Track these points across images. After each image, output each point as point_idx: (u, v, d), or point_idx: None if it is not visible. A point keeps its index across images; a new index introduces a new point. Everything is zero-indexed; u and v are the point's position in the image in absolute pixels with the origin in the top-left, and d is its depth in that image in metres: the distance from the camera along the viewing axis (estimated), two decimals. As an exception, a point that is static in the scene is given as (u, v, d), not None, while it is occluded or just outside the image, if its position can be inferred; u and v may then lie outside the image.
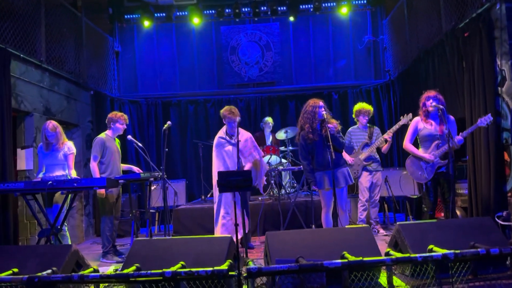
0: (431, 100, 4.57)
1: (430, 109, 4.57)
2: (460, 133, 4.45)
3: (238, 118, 4.98)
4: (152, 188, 6.73)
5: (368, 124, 5.95)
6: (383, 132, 6.00)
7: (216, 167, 5.18)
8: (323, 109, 4.48)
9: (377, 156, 5.85)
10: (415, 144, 4.78)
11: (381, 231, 5.75)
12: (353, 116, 6.05)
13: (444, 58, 5.73)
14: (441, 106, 4.45)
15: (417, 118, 4.76)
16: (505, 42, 4.47)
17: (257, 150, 5.26)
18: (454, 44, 5.36)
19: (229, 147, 5.16)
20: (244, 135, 5.22)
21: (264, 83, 9.16)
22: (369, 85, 8.71)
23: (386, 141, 5.65)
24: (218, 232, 5.03)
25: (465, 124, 4.94)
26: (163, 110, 8.84)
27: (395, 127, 5.63)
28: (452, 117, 4.61)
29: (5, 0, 5.19)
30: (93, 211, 7.28)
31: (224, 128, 5.31)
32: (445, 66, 5.71)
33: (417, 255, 2.96)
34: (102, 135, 5.25)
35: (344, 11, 8.73)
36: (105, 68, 8.48)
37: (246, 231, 4.75)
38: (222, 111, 5.23)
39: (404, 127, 5.29)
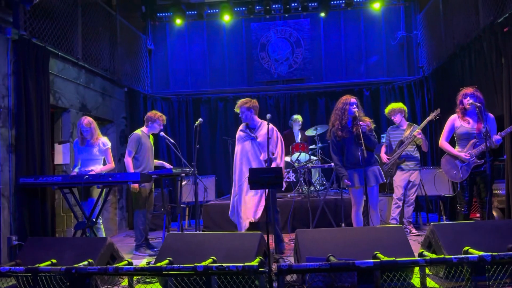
0: (468, 98, 4.44)
1: (467, 106, 4.44)
2: (499, 133, 4.30)
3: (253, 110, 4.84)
4: (183, 183, 6.83)
5: (408, 122, 5.85)
6: None
7: (237, 162, 4.90)
8: (354, 106, 4.42)
9: (416, 155, 5.70)
10: (452, 142, 4.65)
11: (414, 231, 5.63)
12: (388, 116, 6.01)
13: (482, 54, 5.54)
14: (478, 104, 4.32)
15: (454, 116, 4.63)
16: (548, 37, 4.29)
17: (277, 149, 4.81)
18: (493, 40, 5.17)
19: (249, 141, 4.86)
20: (265, 128, 4.81)
21: (294, 80, 9.12)
22: (402, 81, 8.52)
23: (415, 137, 5.52)
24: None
25: (504, 122, 4.77)
26: (193, 106, 8.95)
27: (424, 123, 5.54)
28: (491, 115, 4.46)
29: (44, 0, 5.37)
30: (126, 205, 7.47)
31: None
32: (483, 62, 5.52)
33: (452, 256, 2.89)
34: (138, 132, 5.38)
35: (376, 6, 8.57)
36: (138, 65, 8.66)
37: (278, 226, 4.74)
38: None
39: (442, 124, 5.13)
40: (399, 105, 5.91)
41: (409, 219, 5.75)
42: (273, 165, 4.67)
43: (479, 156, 4.37)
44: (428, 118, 5.46)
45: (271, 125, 4.69)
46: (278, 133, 4.88)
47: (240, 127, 5.01)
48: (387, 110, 5.97)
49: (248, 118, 4.85)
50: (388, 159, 5.76)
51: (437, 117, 5.44)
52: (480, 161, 4.36)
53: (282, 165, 4.68)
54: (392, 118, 5.88)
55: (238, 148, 4.94)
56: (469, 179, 4.46)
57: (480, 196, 4.49)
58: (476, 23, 5.78)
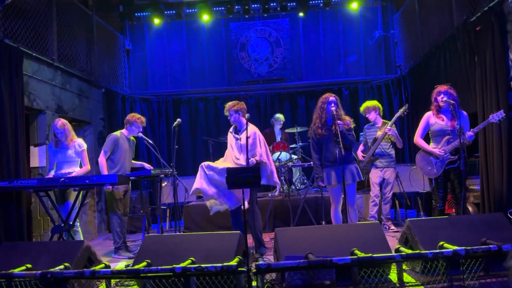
0: (442, 95, 4.53)
1: (441, 104, 4.53)
2: (471, 129, 4.40)
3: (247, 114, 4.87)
4: (163, 184, 6.78)
5: (383, 120, 5.90)
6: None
7: (222, 160, 5.04)
8: (332, 104, 4.47)
9: (391, 152, 5.78)
10: (427, 139, 4.74)
11: (392, 227, 5.72)
12: (363, 114, 6.04)
13: (456, 53, 5.66)
14: (452, 101, 4.41)
15: (428, 113, 4.72)
16: (518, 36, 4.40)
17: (261, 149, 4.89)
18: (466, 39, 5.29)
19: (235, 143, 4.97)
20: (250, 130, 5.06)
21: (274, 79, 9.15)
22: (380, 80, 8.64)
23: (386, 134, 5.59)
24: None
25: (477, 119, 4.88)
26: (173, 107, 8.89)
27: (393, 119, 5.60)
28: (464, 113, 4.56)
29: (17, 0, 5.25)
30: (105, 208, 7.37)
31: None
32: (457, 61, 5.64)
33: (427, 251, 2.95)
34: (117, 133, 5.32)
35: (354, 6, 8.67)
36: (116, 66, 8.55)
37: (258, 230, 4.74)
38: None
39: (418, 120, 5.22)
40: (373, 102, 5.98)
41: (387, 216, 5.84)
42: (262, 165, 4.80)
43: (452, 152, 4.46)
44: (397, 114, 5.55)
45: (251, 126, 4.73)
46: (257, 133, 4.90)
47: (230, 129, 5.11)
48: (362, 108, 6.02)
49: (236, 120, 4.92)
50: (364, 156, 5.82)
51: (406, 112, 5.53)
52: (454, 157, 4.45)
53: (268, 162, 4.76)
54: (367, 116, 5.94)
55: (227, 150, 5.06)
56: (443, 175, 4.55)
57: (455, 192, 4.59)
58: (450, 23, 5.91)
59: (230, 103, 4.94)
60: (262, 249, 4.73)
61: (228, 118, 4.96)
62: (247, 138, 4.43)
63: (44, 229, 5.84)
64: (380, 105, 5.99)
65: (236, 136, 4.91)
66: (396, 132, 5.55)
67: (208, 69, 9.29)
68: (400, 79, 8.29)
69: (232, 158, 4.89)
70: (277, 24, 9.18)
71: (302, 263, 2.86)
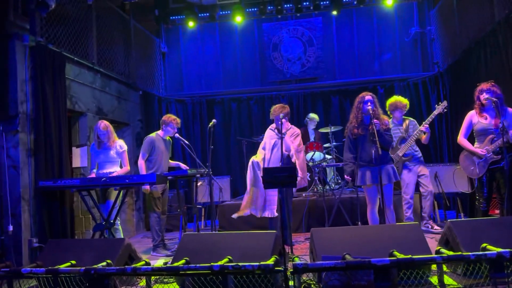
0: (484, 93, 4.39)
1: (484, 102, 4.39)
2: (514, 127, 4.24)
3: (281, 114, 4.92)
4: (199, 184, 6.88)
5: (403, 117, 5.68)
6: (419, 123, 5.70)
7: (258, 155, 5.11)
8: (369, 103, 4.41)
9: (417, 149, 5.59)
10: (471, 139, 4.60)
11: (436, 227, 5.51)
12: (387, 110, 5.68)
13: (497, 48, 5.45)
14: (494, 99, 4.26)
15: (472, 112, 4.59)
16: None
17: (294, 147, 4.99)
18: (508, 33, 5.09)
19: (274, 140, 5.04)
20: (291, 131, 5.08)
21: (307, 79, 9.10)
22: (417, 77, 8.42)
23: (424, 132, 5.42)
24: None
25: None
26: (207, 108, 9.01)
27: (431, 117, 5.39)
28: (510, 109, 4.39)
29: (59, 6, 5.47)
30: (143, 207, 7.56)
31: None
32: (498, 56, 5.43)
33: (469, 253, 2.86)
34: (153, 135, 5.46)
35: (389, 3, 8.48)
36: (153, 68, 8.76)
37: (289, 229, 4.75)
38: None
39: (459, 119, 5.04)
40: (404, 100, 5.64)
41: (429, 214, 5.58)
42: (300, 164, 4.90)
43: (496, 151, 4.31)
44: (436, 112, 5.34)
45: (296, 130, 5.03)
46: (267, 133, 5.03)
47: (271, 126, 5.22)
48: (390, 102, 5.67)
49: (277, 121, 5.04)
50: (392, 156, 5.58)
51: (445, 110, 5.33)
52: (497, 156, 4.29)
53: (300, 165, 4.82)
54: (395, 113, 5.61)
55: (264, 144, 5.19)
56: (488, 175, 4.40)
57: (500, 192, 4.43)
58: (490, 17, 5.70)
59: (276, 106, 5.00)
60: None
61: (276, 121, 4.99)
62: (282, 136, 4.48)
63: (85, 227, 6.06)
64: (408, 105, 5.68)
65: (278, 134, 4.94)
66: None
67: (241, 70, 9.36)
68: (438, 76, 8.06)
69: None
70: (310, 23, 9.12)
71: (339, 263, 2.84)
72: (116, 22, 7.26)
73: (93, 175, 5.15)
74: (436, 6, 8.21)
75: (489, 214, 4.57)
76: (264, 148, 5.09)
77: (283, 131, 4.86)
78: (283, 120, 4.84)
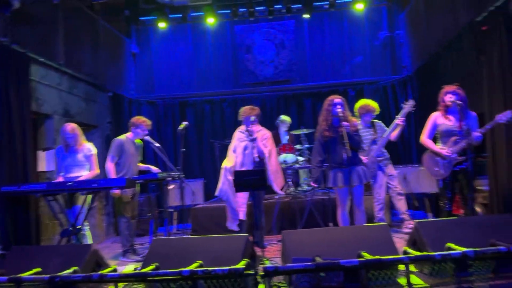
0: (449, 95, 4.49)
1: (449, 103, 4.49)
2: (478, 130, 4.36)
3: (252, 117, 4.92)
4: (170, 187, 6.79)
5: (372, 120, 5.71)
6: (388, 126, 5.74)
7: (229, 160, 5.12)
8: (338, 106, 4.47)
9: (385, 150, 5.66)
10: (433, 140, 4.70)
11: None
12: (356, 113, 5.66)
13: (462, 53, 5.63)
14: (459, 101, 4.38)
15: (436, 113, 4.68)
16: (525, 35, 4.37)
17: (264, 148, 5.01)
18: (472, 38, 5.25)
19: (245, 143, 5.07)
20: (262, 133, 5.12)
21: (280, 81, 9.14)
22: (386, 81, 8.60)
23: (398, 125, 5.47)
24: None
25: (484, 120, 4.84)
26: (179, 110, 8.91)
27: (401, 114, 5.39)
28: (473, 113, 4.51)
29: (24, 6, 5.30)
30: (113, 211, 7.40)
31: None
32: (464, 61, 5.60)
33: (435, 253, 2.93)
34: (122, 137, 5.35)
35: (359, 7, 8.62)
36: (123, 69, 8.60)
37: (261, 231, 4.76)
38: None
39: (424, 120, 5.13)
40: (373, 103, 5.66)
41: (407, 212, 5.64)
42: (271, 166, 4.96)
43: (460, 153, 4.42)
44: (405, 110, 5.36)
45: (266, 131, 5.03)
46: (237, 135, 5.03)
47: (240, 128, 5.24)
48: (359, 105, 5.66)
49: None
50: (366, 159, 5.63)
51: (414, 108, 5.41)
52: (461, 157, 4.41)
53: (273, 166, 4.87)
54: (365, 117, 5.62)
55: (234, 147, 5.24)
56: (451, 176, 4.51)
57: (463, 192, 4.54)
58: (456, 22, 5.86)
59: (246, 107, 5.01)
60: (264, 243, 4.78)
61: (245, 122, 4.99)
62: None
63: (53, 233, 5.88)
64: (378, 109, 5.73)
65: (249, 137, 4.94)
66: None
67: (214, 72, 9.31)
68: (407, 80, 8.24)
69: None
70: (282, 26, 9.17)
71: (309, 265, 2.86)
72: (85, 22, 7.09)
73: (60, 179, 5.01)
74: (404, 10, 8.40)
75: (453, 214, 4.69)
76: (234, 151, 5.07)
77: (254, 135, 4.86)
78: (254, 122, 4.85)
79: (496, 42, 4.68)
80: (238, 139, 5.06)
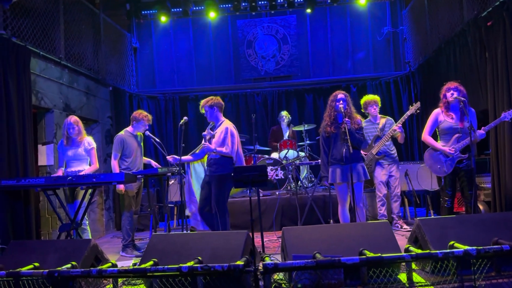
0: (451, 91, 4.45)
1: (450, 100, 4.45)
2: (482, 127, 4.31)
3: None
4: (170, 182, 6.78)
5: (380, 115, 5.78)
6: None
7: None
8: (341, 102, 4.43)
9: (393, 149, 5.66)
10: (434, 136, 4.66)
11: (404, 226, 5.61)
12: (362, 110, 5.82)
13: (466, 49, 5.57)
14: (462, 98, 4.33)
15: (437, 110, 4.63)
16: (531, 31, 4.31)
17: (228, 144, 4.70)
18: (477, 34, 5.19)
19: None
20: (224, 126, 4.80)
21: (281, 76, 9.09)
22: (389, 77, 8.55)
23: (397, 132, 5.49)
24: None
25: (488, 117, 4.80)
26: (180, 105, 8.87)
27: (404, 117, 5.47)
28: (472, 109, 4.47)
29: (24, -1, 5.27)
30: (113, 206, 7.39)
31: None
32: (467, 57, 5.55)
33: (437, 251, 2.89)
34: (122, 132, 5.32)
35: (362, 2, 8.56)
36: (123, 64, 8.55)
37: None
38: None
39: (425, 117, 5.13)
40: (373, 97, 5.79)
41: (398, 214, 5.73)
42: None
43: (462, 150, 4.38)
44: (409, 112, 5.39)
45: (226, 121, 4.75)
46: (230, 128, 4.72)
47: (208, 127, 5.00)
48: (362, 102, 5.83)
49: (212, 116, 4.84)
50: (365, 154, 5.69)
51: (418, 111, 5.41)
52: (464, 155, 4.37)
53: (233, 157, 4.66)
54: (369, 110, 5.74)
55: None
56: (452, 173, 4.47)
57: (464, 190, 4.50)
58: (460, 18, 5.81)
59: (204, 100, 4.86)
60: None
61: (205, 115, 4.88)
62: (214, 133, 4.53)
63: (52, 227, 5.87)
64: (379, 99, 5.82)
65: (211, 132, 4.81)
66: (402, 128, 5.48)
67: (215, 67, 9.26)
68: (410, 76, 8.20)
69: None
70: (284, 21, 9.11)
71: (309, 263, 2.83)
72: (85, 16, 7.04)
73: (60, 173, 4.98)
74: (408, 6, 8.33)
75: (454, 212, 4.66)
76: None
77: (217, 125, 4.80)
78: (214, 112, 4.83)
79: (500, 38, 4.62)
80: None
